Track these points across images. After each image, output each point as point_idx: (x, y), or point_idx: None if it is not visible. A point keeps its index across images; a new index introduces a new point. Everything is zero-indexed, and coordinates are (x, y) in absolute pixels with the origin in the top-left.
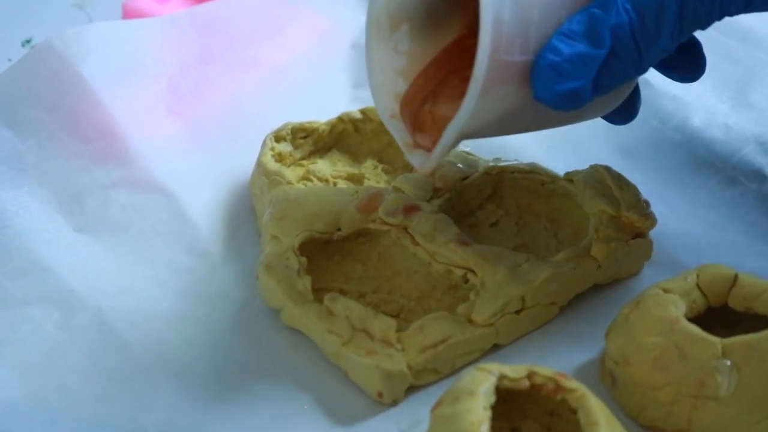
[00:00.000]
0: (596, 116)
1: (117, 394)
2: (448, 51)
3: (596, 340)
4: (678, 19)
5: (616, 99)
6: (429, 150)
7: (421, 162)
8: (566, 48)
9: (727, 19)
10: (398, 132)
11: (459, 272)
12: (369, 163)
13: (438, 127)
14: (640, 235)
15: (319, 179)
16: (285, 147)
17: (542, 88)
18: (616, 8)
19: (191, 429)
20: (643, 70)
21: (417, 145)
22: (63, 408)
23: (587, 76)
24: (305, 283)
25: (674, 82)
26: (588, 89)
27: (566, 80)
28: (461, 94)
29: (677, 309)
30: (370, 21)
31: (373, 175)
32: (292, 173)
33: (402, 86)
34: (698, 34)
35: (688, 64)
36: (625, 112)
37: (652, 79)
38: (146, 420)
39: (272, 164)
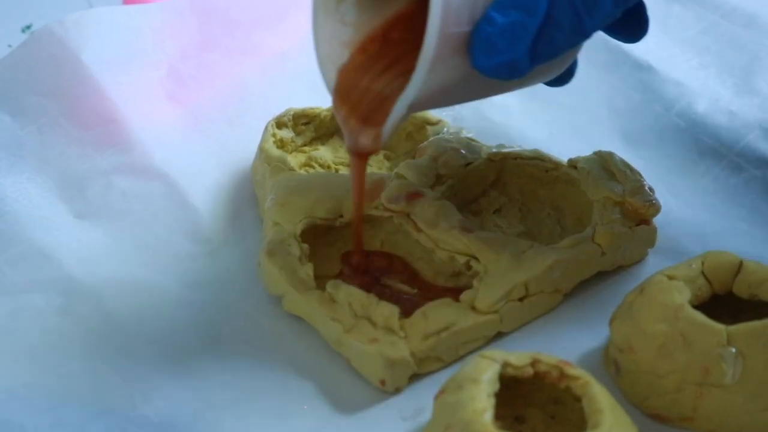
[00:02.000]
0: (543, 81)
1: (118, 381)
2: (387, 24)
3: (600, 327)
4: None
5: (562, 63)
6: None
7: (370, 140)
8: (500, 17)
9: (731, 4)
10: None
11: (462, 259)
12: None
13: (377, 103)
14: (645, 221)
15: (321, 165)
16: (287, 133)
17: (479, 60)
18: None
19: (192, 416)
20: (586, 36)
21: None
22: (64, 395)
23: (522, 47)
24: (307, 270)
25: (678, 68)
26: (525, 59)
27: (501, 52)
28: (402, 70)
29: (682, 296)
30: None
31: (375, 162)
32: (293, 159)
33: (345, 55)
34: (700, 15)
35: (630, 26)
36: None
37: (656, 64)
38: (147, 408)
39: (274, 150)
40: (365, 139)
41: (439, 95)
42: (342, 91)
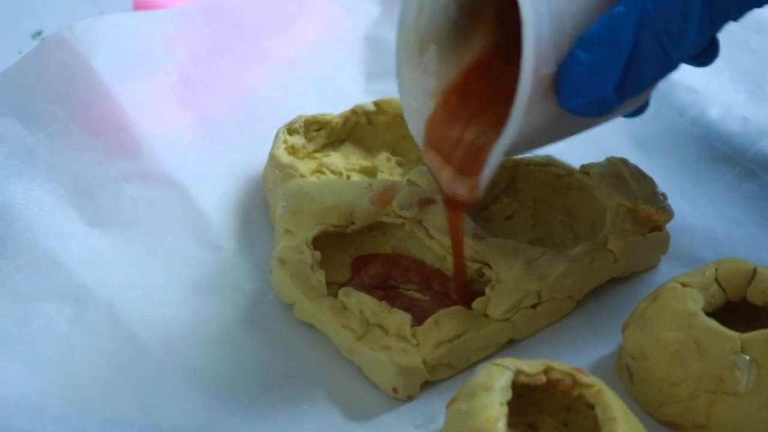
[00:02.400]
0: (629, 111)
1: (129, 389)
2: (466, 74)
3: (613, 334)
4: (706, 14)
5: (647, 94)
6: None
7: (468, 190)
8: (586, 56)
9: None
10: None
11: (474, 266)
12: (382, 156)
13: (471, 153)
14: (657, 228)
15: (333, 172)
16: (298, 140)
17: (567, 100)
18: (637, 7)
19: (204, 425)
20: (673, 68)
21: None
22: (75, 403)
23: (608, 85)
24: (319, 277)
25: (690, 74)
26: (612, 96)
27: (588, 91)
28: (491, 118)
29: (695, 303)
30: (399, 45)
31: (387, 168)
32: (305, 166)
33: (433, 108)
34: None
35: (706, 52)
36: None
37: None
38: (158, 416)
39: (285, 157)
40: (462, 190)
41: (532, 138)
42: (432, 142)
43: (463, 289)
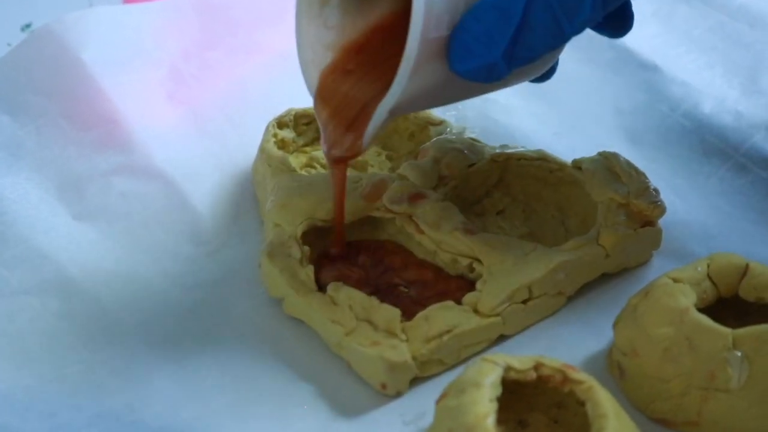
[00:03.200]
0: (527, 80)
1: (116, 384)
2: (369, 31)
3: (604, 330)
4: None
5: (543, 64)
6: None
7: (350, 145)
8: (476, 23)
9: (737, 3)
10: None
11: (465, 261)
12: (372, 150)
13: (359, 109)
14: (649, 223)
15: (323, 166)
16: (288, 133)
17: (457, 64)
18: None
19: (191, 420)
20: (565, 41)
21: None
22: (61, 398)
23: (497, 51)
24: (308, 272)
25: (683, 68)
26: (501, 63)
27: (478, 56)
28: (381, 76)
29: (687, 299)
30: None
31: (377, 162)
32: (295, 160)
33: (328, 58)
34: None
35: (614, 24)
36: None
37: (662, 64)
38: (145, 411)
39: (275, 151)
40: (345, 145)
41: (420, 99)
42: (323, 94)
43: (341, 243)
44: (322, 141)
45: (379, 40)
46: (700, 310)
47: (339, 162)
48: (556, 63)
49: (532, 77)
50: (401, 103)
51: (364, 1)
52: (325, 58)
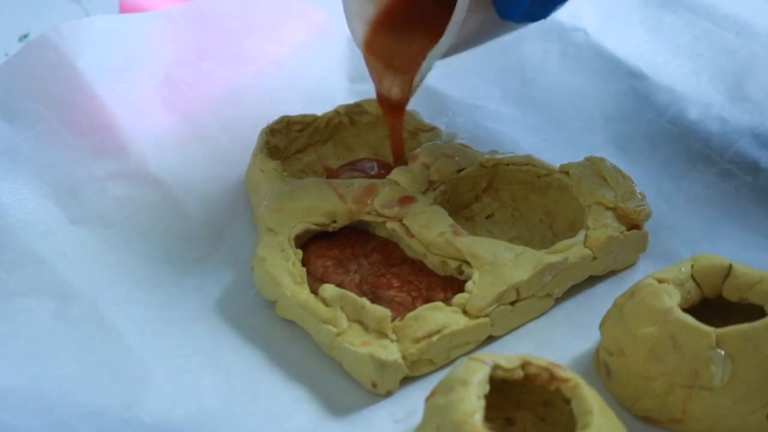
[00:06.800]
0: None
1: (112, 384)
2: None
3: (591, 331)
4: None
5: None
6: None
7: (400, 88)
8: None
9: (723, 12)
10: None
11: (454, 264)
12: (364, 156)
13: (408, 56)
14: (636, 226)
15: (315, 173)
16: (281, 140)
17: (506, 13)
18: None
19: (186, 419)
20: None
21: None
22: (57, 398)
23: None
24: (300, 274)
25: (670, 75)
26: (540, 7)
27: (522, 3)
28: (423, 28)
29: (671, 299)
30: None
31: None
32: (287, 166)
33: (371, 11)
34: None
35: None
36: None
37: (648, 71)
38: (141, 410)
39: (268, 157)
40: (396, 88)
41: (463, 44)
42: (370, 44)
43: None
44: (376, 92)
45: None
46: (685, 310)
47: (394, 110)
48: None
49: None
50: (448, 51)
51: None
52: (368, 9)
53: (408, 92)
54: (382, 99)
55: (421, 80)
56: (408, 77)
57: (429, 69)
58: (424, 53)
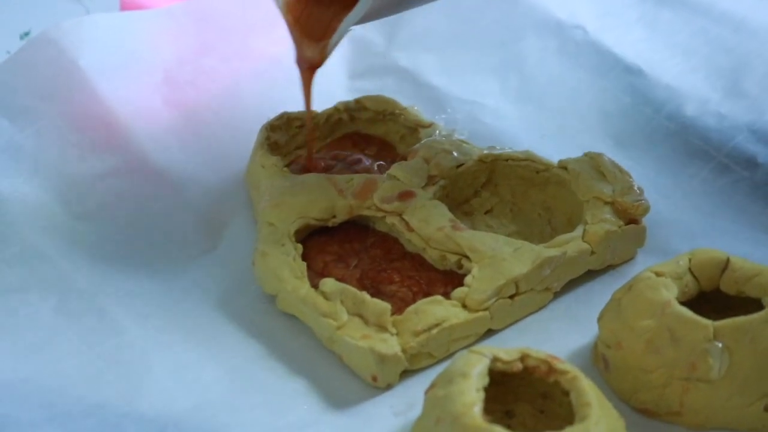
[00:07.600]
0: None
1: (113, 377)
2: None
3: (589, 325)
4: None
5: None
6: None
7: (316, 52)
8: None
9: (720, 8)
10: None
11: (453, 258)
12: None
13: (325, 20)
14: (634, 221)
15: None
16: (281, 136)
17: None
18: None
19: (186, 412)
20: None
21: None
22: (59, 391)
23: None
24: (301, 269)
25: (667, 71)
26: None
27: None
28: None
29: (669, 292)
30: None
31: None
32: (288, 162)
33: None
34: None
35: None
36: None
37: (646, 68)
38: (141, 403)
39: (268, 153)
40: (314, 51)
41: (383, 10)
42: (291, 6)
43: (311, 157)
44: (295, 53)
45: None
46: (682, 303)
47: (308, 69)
48: None
49: None
50: (363, 18)
51: None
52: None
53: (324, 55)
54: (300, 59)
55: (336, 44)
56: (324, 42)
57: (344, 34)
58: (341, 18)
